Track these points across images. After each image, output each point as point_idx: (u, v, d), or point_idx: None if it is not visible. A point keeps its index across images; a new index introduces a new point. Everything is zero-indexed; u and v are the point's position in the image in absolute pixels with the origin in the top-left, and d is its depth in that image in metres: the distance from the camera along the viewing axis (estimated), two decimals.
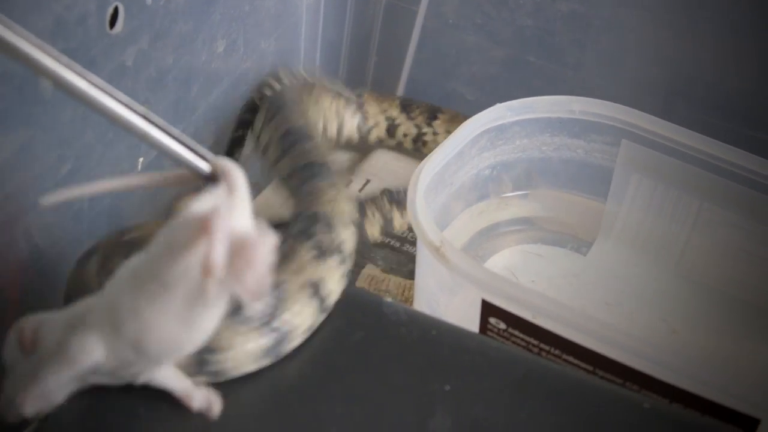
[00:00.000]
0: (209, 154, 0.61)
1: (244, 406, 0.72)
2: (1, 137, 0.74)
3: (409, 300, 1.01)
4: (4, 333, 0.63)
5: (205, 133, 1.02)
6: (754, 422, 0.79)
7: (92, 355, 0.63)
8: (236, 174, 0.61)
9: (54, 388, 0.64)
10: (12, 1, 0.71)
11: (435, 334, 0.79)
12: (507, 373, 0.78)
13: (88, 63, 0.81)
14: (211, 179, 0.62)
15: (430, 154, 0.94)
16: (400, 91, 1.22)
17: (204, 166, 0.62)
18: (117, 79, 0.85)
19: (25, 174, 0.78)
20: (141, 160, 0.92)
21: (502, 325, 0.86)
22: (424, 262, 0.92)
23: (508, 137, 1.04)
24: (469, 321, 0.87)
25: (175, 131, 0.60)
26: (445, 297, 0.92)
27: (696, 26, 1.10)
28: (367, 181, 1.17)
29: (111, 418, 0.70)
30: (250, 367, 0.73)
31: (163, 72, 0.91)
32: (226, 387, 0.72)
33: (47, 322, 0.64)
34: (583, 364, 0.84)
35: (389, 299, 0.81)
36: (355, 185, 1.16)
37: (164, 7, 0.88)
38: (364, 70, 1.23)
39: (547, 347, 0.85)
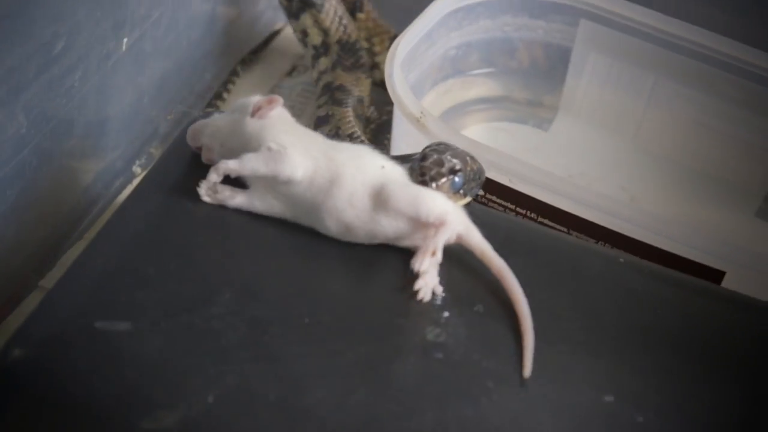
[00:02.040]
0: None
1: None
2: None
3: None
4: None
5: (181, 14, 1.04)
6: (720, 274, 0.85)
7: (296, 172, 0.77)
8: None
9: (244, 173, 0.78)
10: None
11: None
12: (491, 234, 0.82)
13: None
14: None
15: (403, 32, 0.98)
16: None
17: None
18: None
19: (22, 49, 0.81)
20: (125, 40, 0.95)
21: (480, 192, 0.90)
22: (400, 135, 0.96)
23: (473, 18, 1.07)
24: None
25: None
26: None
27: None
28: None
29: None
30: None
31: None
32: None
33: (275, 120, 0.80)
34: (558, 226, 0.89)
35: None
36: None
37: None
38: None
39: (523, 211, 0.90)
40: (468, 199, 0.82)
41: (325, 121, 1.06)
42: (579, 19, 1.09)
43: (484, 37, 1.10)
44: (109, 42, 0.92)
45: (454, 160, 0.80)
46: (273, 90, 1.18)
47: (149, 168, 0.83)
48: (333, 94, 1.08)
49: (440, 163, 0.80)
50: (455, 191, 0.80)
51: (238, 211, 0.79)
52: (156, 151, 1.07)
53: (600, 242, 0.88)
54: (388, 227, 0.78)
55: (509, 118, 1.13)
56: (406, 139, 0.94)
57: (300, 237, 0.79)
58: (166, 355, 0.70)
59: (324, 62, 1.12)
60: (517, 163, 0.88)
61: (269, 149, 0.78)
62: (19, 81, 0.81)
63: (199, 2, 1.08)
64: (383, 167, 0.79)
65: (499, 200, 0.90)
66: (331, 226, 0.78)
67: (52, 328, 0.71)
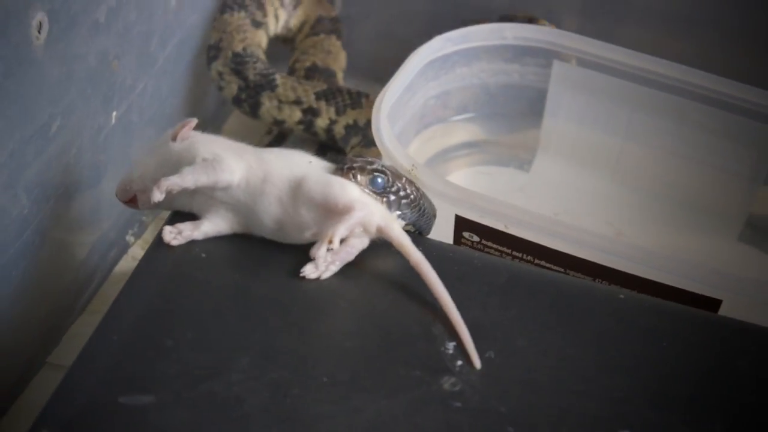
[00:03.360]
0: None
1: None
2: (2, 99, 0.77)
3: None
4: None
5: (163, 83, 1.05)
6: (717, 303, 0.87)
7: (234, 176, 0.81)
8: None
9: (186, 185, 0.80)
10: None
11: (422, 249, 0.85)
12: (492, 279, 0.84)
13: (70, 21, 0.84)
14: None
15: (386, 86, 1.00)
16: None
17: None
18: (93, 35, 0.88)
19: (22, 133, 0.82)
20: (114, 113, 0.96)
21: (476, 238, 0.92)
22: None
23: (449, 67, 1.10)
24: (443, 236, 0.93)
25: None
26: None
27: None
28: None
29: None
30: None
31: (129, 27, 0.94)
32: None
33: (200, 136, 0.84)
34: (555, 267, 0.91)
35: None
36: None
37: None
38: None
39: (519, 254, 0.92)
40: (402, 222, 0.85)
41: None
42: (552, 60, 1.11)
43: (461, 85, 1.12)
44: (100, 117, 0.94)
45: (388, 172, 0.84)
46: None
47: (152, 241, 0.84)
48: None
49: (369, 163, 0.84)
50: (376, 191, 0.83)
51: (246, 275, 0.81)
52: (147, 219, 1.08)
53: (597, 280, 0.90)
54: (307, 217, 0.81)
55: (490, 161, 1.15)
56: None
57: (309, 295, 0.80)
58: (192, 426, 0.71)
59: None
60: (511, 208, 0.90)
61: (204, 160, 0.82)
62: (19, 163, 0.82)
63: (181, 70, 1.10)
64: (310, 162, 0.84)
65: (495, 246, 0.92)
66: (267, 225, 0.82)
67: (77, 406, 0.72)
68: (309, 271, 0.80)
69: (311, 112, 1.12)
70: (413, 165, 0.92)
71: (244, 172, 0.81)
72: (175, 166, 0.82)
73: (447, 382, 0.76)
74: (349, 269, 0.82)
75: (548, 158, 1.15)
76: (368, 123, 0.97)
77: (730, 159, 1.10)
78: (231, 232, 0.82)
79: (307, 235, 0.82)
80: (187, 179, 0.81)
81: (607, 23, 1.19)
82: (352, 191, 0.82)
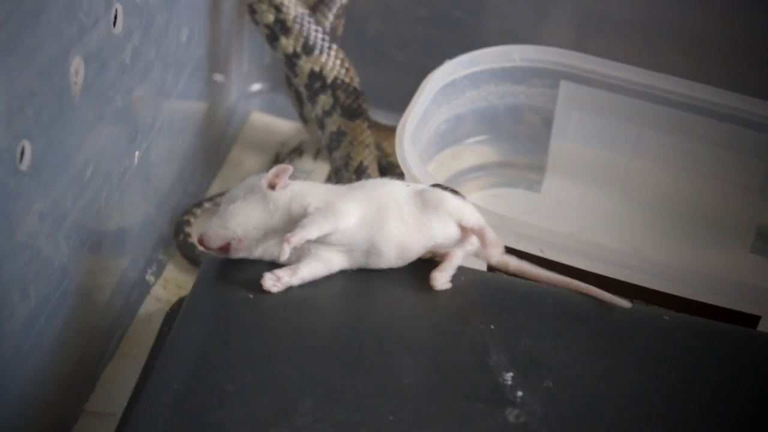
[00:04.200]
0: None
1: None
2: (42, 143, 0.76)
3: None
4: None
5: (175, 119, 1.05)
6: (756, 319, 0.89)
7: (351, 218, 0.81)
8: None
9: (312, 236, 0.80)
10: (42, 10, 0.73)
11: (464, 280, 0.85)
12: (538, 306, 0.84)
13: (102, 64, 0.83)
14: None
15: (405, 114, 1.00)
16: None
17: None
18: (120, 76, 0.87)
19: (62, 181, 0.81)
20: (137, 153, 0.95)
21: None
22: None
23: (459, 91, 1.10)
24: (476, 263, 0.93)
25: None
26: None
27: None
28: None
29: None
30: None
31: (149, 65, 0.94)
32: None
33: (297, 184, 0.84)
34: None
35: None
36: None
37: (147, 2, 0.91)
38: None
39: None
40: None
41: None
42: (559, 80, 1.12)
43: (471, 108, 1.12)
44: (125, 158, 0.93)
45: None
46: None
47: (193, 285, 0.83)
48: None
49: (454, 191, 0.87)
50: None
51: (299, 312, 0.80)
52: (164, 257, 1.07)
53: (634, 300, 0.91)
54: (440, 231, 0.83)
55: (501, 183, 1.16)
56: None
57: (360, 332, 0.80)
58: None
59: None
60: (548, 232, 0.91)
61: (318, 209, 0.82)
62: (61, 212, 0.81)
63: (191, 104, 1.09)
64: (408, 185, 0.85)
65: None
66: (390, 253, 0.82)
67: None
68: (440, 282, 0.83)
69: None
70: None
71: (357, 210, 0.81)
72: (282, 215, 0.82)
73: (511, 414, 0.76)
74: (395, 303, 0.82)
75: (557, 178, 1.16)
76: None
77: (739, 172, 1.11)
78: (327, 273, 0.82)
79: (427, 253, 0.85)
80: (312, 231, 0.80)
81: (602, 42, 1.20)
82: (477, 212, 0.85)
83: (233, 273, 0.83)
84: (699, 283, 0.88)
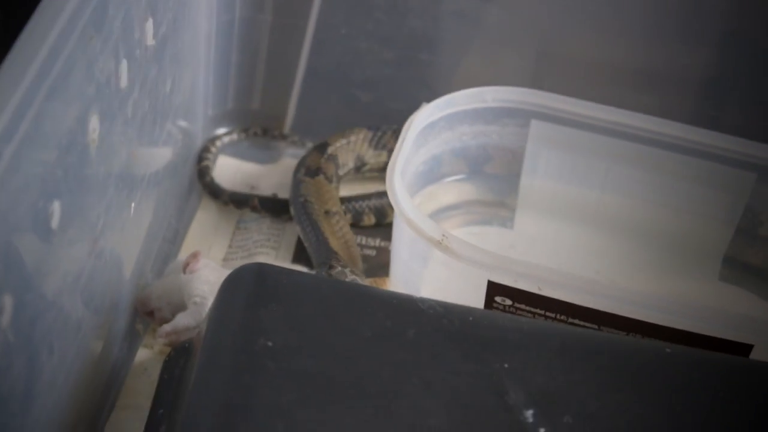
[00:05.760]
0: None
1: None
2: (68, 201, 0.76)
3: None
4: None
5: (159, 167, 1.05)
6: (748, 348, 0.92)
7: None
8: None
9: (180, 331, 0.97)
10: (69, 73, 0.74)
11: (472, 320, 0.87)
12: (546, 344, 0.87)
13: (112, 118, 0.84)
14: None
15: (391, 160, 1.02)
16: (293, 101, 1.28)
17: None
18: (124, 129, 0.88)
19: (82, 237, 0.81)
20: (133, 205, 0.95)
21: (508, 302, 0.95)
22: (400, 239, 1.01)
23: (436, 132, 1.12)
24: (473, 302, 0.95)
25: None
26: (418, 266, 1.02)
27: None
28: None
29: None
30: None
31: (144, 116, 0.94)
32: None
33: (203, 270, 1.02)
34: (588, 324, 0.94)
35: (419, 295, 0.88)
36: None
37: (144, 55, 0.91)
38: (254, 83, 1.28)
39: (553, 314, 0.95)
40: None
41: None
42: (530, 120, 1.15)
43: (446, 148, 1.15)
44: (125, 210, 0.93)
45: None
46: (239, 228, 1.19)
47: (206, 334, 0.83)
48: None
49: None
50: None
51: (317, 361, 0.82)
52: None
53: (630, 333, 0.94)
54: None
55: (477, 221, 1.18)
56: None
57: (381, 375, 0.81)
58: None
59: None
60: (545, 270, 0.93)
61: (195, 303, 0.96)
62: (78, 269, 0.82)
63: (169, 150, 1.10)
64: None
65: (528, 308, 0.95)
66: None
67: None
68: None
69: None
70: (443, 235, 0.94)
71: None
72: (179, 295, 1.00)
73: None
74: (411, 346, 0.84)
75: (529, 214, 1.19)
76: None
77: (705, 204, 1.15)
78: None
79: None
80: (179, 326, 0.96)
81: (565, 82, 1.23)
82: None
83: (245, 320, 0.84)
84: (696, 315, 0.91)
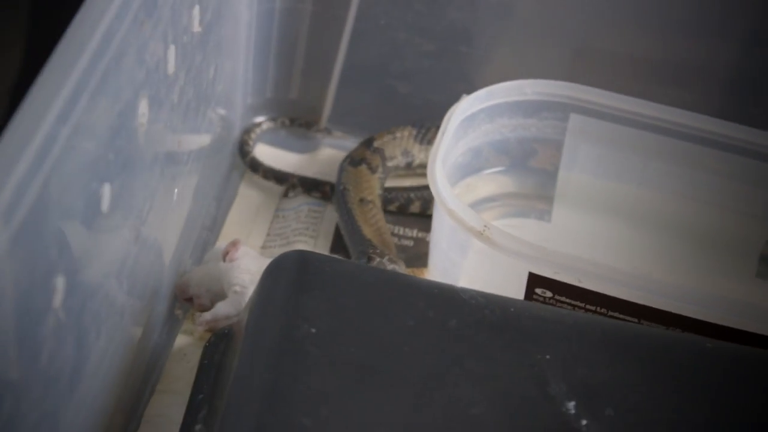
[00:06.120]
0: None
1: None
2: (118, 185, 0.77)
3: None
4: None
5: (201, 154, 1.06)
6: None
7: None
8: None
9: (219, 320, 0.98)
10: (122, 56, 0.74)
11: (514, 311, 0.87)
12: (587, 336, 0.87)
13: (159, 103, 0.85)
14: None
15: (432, 150, 1.02)
16: (331, 91, 1.28)
17: None
18: (170, 116, 0.88)
19: (129, 221, 0.81)
20: (176, 191, 0.96)
21: (549, 294, 0.95)
22: (440, 229, 1.02)
23: (476, 125, 1.13)
24: (513, 293, 0.95)
25: None
26: (457, 255, 1.02)
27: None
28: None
29: None
30: None
31: (189, 103, 0.95)
32: None
33: (243, 259, 1.01)
34: (628, 317, 0.94)
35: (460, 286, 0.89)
36: None
37: (190, 42, 0.92)
38: (292, 72, 1.28)
39: (592, 307, 0.95)
40: None
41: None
42: (569, 113, 1.15)
43: (485, 141, 1.15)
44: (168, 197, 0.94)
45: None
46: (277, 216, 1.19)
47: (247, 320, 0.84)
48: None
49: None
50: None
51: (360, 349, 0.82)
52: None
53: (670, 328, 0.94)
54: None
55: (514, 213, 1.18)
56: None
57: (424, 365, 0.82)
58: None
59: None
60: (585, 262, 0.93)
61: (235, 293, 0.97)
62: (124, 253, 0.82)
63: (209, 137, 1.10)
64: None
65: (568, 300, 0.95)
66: None
67: None
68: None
69: None
70: (485, 226, 0.94)
71: None
72: (218, 282, 1.00)
73: None
74: (452, 335, 0.84)
75: (566, 208, 1.19)
76: None
77: (742, 200, 1.15)
78: None
79: None
80: (220, 315, 0.97)
81: (603, 77, 1.23)
82: None
83: (288, 306, 0.84)
84: (740, 311, 0.91)
